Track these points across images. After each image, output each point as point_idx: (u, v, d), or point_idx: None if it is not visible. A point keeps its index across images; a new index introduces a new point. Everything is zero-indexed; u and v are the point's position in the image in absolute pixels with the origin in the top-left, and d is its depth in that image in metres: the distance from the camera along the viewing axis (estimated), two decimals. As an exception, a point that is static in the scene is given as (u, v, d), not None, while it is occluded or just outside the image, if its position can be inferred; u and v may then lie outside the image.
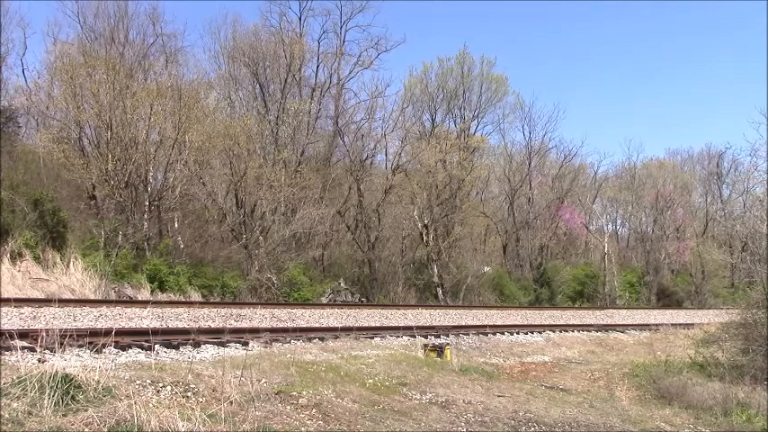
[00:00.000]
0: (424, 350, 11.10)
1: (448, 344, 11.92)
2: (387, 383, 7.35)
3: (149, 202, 22.11)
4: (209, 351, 9.32)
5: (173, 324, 11.82)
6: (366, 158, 31.03)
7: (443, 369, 9.25)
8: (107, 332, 7.71)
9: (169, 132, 22.34)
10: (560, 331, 17.89)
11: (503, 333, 15.91)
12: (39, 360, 6.79)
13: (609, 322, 22.25)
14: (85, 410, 4.27)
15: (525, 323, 19.02)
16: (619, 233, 49.65)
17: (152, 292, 18.64)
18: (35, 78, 27.47)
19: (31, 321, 10.54)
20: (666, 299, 41.17)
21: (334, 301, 23.66)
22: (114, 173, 21.33)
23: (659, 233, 43.94)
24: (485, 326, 16.46)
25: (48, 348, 7.09)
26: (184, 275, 20.28)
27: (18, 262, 17.13)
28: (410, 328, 14.01)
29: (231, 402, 5.14)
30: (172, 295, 19.03)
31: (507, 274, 34.02)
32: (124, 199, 21.44)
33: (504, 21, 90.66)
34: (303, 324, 13.83)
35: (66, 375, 4.61)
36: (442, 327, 15.18)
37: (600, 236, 43.46)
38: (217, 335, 10.47)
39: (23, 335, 7.72)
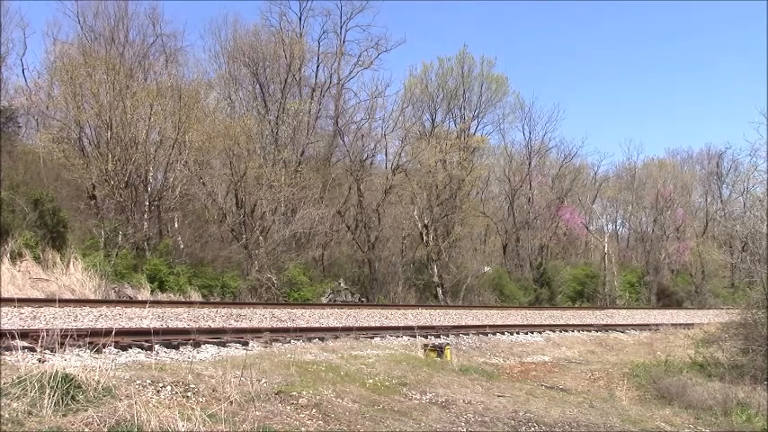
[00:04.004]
0: (424, 350, 11.09)
1: (448, 344, 11.92)
2: (387, 383, 7.36)
3: (149, 202, 22.10)
4: (209, 351, 9.32)
5: (173, 324, 11.81)
6: (366, 158, 31.03)
7: (443, 369, 9.25)
8: (107, 332, 7.71)
9: (169, 132, 22.34)
10: (560, 331, 17.89)
11: (503, 333, 15.90)
12: (39, 360, 6.79)
13: (609, 322, 22.24)
14: (85, 410, 4.27)
15: (525, 323, 19.01)
16: (619, 233, 49.71)
17: (152, 292, 18.63)
18: (35, 78, 27.52)
19: (31, 321, 10.54)
20: (666, 299, 41.17)
21: (334, 301, 23.65)
22: (114, 173, 21.32)
23: (659, 233, 43.95)
24: (485, 326, 16.45)
25: (48, 348, 7.09)
26: (184, 275, 20.28)
27: (18, 262, 17.12)
28: (410, 328, 14.00)
29: (231, 402, 5.14)
30: (172, 295, 19.02)
31: (507, 274, 34.02)
32: (124, 199, 21.43)
33: (504, 21, 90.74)
34: (303, 324, 13.83)
35: (67, 375, 4.61)
36: (442, 327, 15.17)
37: (600, 236, 43.47)
38: (217, 335, 10.47)
39: (23, 335, 7.71)
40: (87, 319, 11.48)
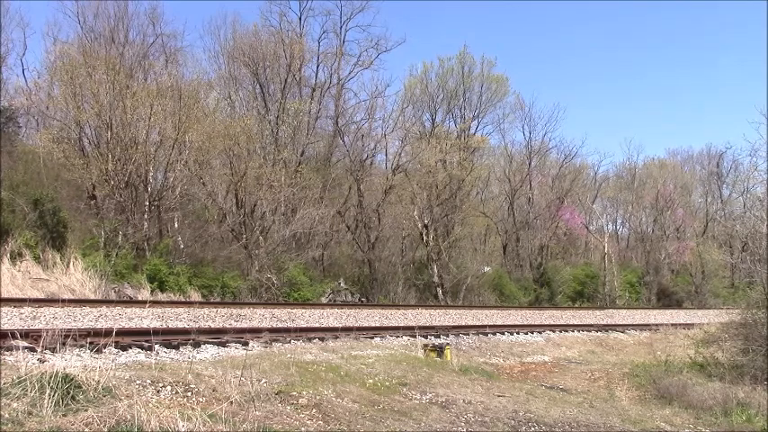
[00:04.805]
0: (424, 350, 11.10)
1: (448, 344, 11.92)
2: (387, 383, 7.36)
3: (149, 202, 22.10)
4: (209, 351, 9.32)
5: (173, 324, 11.82)
6: (366, 158, 31.05)
7: (443, 369, 9.25)
8: (107, 332, 7.72)
9: (169, 132, 22.32)
10: (560, 331, 17.89)
11: (503, 333, 15.90)
12: (39, 360, 6.79)
13: (609, 322, 22.24)
14: (86, 410, 4.27)
15: (525, 323, 19.01)
16: (619, 233, 49.70)
17: (152, 292, 18.61)
18: (35, 78, 27.53)
19: (31, 321, 10.54)
20: (666, 299, 41.16)
21: (334, 301, 23.66)
22: (114, 173, 21.32)
23: (659, 233, 43.95)
24: (485, 326, 16.45)
25: (48, 348, 7.09)
26: (184, 275, 20.27)
27: (18, 262, 17.12)
28: (410, 328, 14.01)
29: (231, 402, 5.14)
30: (172, 295, 19.02)
31: (507, 274, 34.01)
32: (124, 199, 21.43)
33: (504, 21, 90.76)
34: (303, 324, 13.83)
35: (67, 375, 4.61)
36: (442, 327, 15.17)
37: (600, 236, 43.45)
38: (217, 335, 10.47)
39: (24, 335, 7.71)
40: (87, 319, 11.48)
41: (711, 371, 11.40)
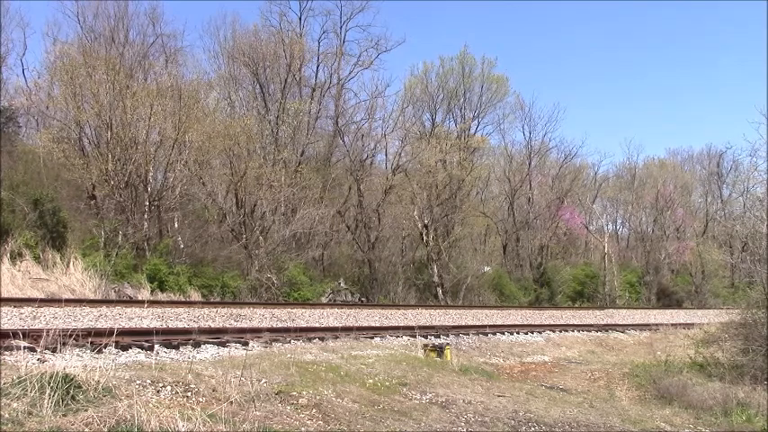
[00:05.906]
0: (424, 350, 11.10)
1: (448, 344, 11.92)
2: (387, 383, 7.36)
3: (149, 202, 22.10)
4: (209, 351, 9.32)
5: (173, 324, 11.82)
6: (366, 158, 31.06)
7: (443, 369, 9.25)
8: (107, 332, 7.72)
9: (169, 132, 22.32)
10: (560, 331, 17.89)
11: (503, 333, 15.90)
12: (39, 360, 6.79)
13: (609, 322, 22.24)
14: (86, 410, 4.27)
15: (525, 323, 19.01)
16: (619, 233, 49.69)
17: (152, 291, 18.62)
18: (35, 78, 27.54)
19: (31, 321, 10.54)
20: (666, 299, 41.15)
21: (334, 301, 23.65)
22: (114, 173, 21.32)
23: (659, 233, 43.94)
24: (485, 326, 16.45)
25: (48, 348, 7.09)
26: (184, 275, 20.27)
27: (18, 262, 17.12)
28: (410, 327, 14.01)
29: (231, 402, 5.14)
30: (172, 295, 19.02)
31: (507, 274, 34.01)
32: (124, 199, 21.43)
33: (504, 21, 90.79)
34: (303, 324, 13.83)
35: (67, 375, 4.61)
36: (442, 327, 15.17)
37: (600, 236, 43.45)
38: (217, 335, 10.47)
39: (24, 335, 7.70)
40: (87, 319, 11.48)
41: (711, 371, 11.39)
